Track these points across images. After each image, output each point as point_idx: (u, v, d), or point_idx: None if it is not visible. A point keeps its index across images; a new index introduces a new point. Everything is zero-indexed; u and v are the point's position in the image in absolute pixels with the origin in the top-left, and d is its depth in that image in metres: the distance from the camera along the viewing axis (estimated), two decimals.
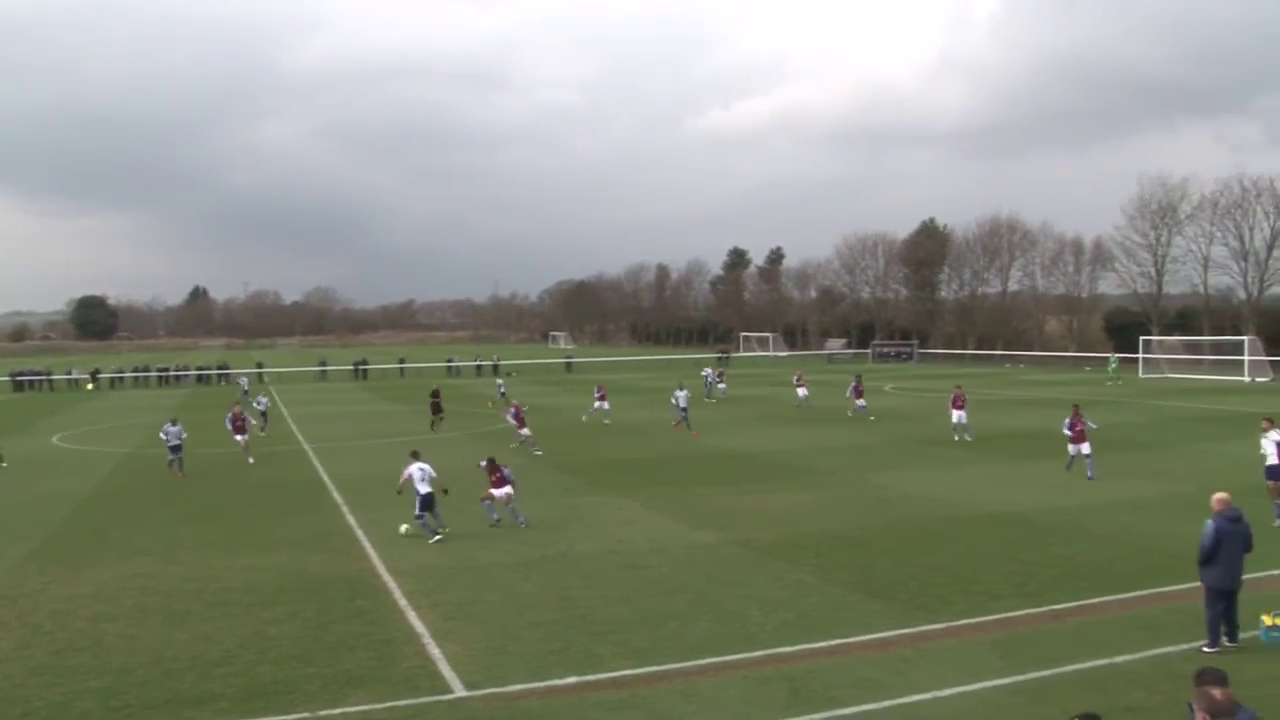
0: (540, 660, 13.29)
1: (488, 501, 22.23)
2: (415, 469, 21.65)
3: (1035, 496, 24.88)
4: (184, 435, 31.48)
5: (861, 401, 45.91)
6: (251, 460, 32.64)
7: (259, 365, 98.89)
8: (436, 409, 44.69)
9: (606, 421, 45.09)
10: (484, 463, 22.97)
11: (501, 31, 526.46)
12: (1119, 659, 12.77)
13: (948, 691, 11.83)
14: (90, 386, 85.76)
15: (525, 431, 36.33)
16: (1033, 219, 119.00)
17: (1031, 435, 37.34)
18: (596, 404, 46.60)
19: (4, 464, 33.89)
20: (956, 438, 35.63)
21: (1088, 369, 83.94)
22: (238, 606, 16.26)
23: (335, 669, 13.10)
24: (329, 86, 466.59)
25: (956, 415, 36.64)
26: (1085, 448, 27.44)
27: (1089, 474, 26.90)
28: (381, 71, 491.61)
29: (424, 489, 21.35)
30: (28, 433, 46.61)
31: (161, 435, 31.46)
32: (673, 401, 42.93)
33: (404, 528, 21.64)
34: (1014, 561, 18.24)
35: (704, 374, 62.92)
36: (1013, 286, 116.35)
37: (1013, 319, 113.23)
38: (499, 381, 59.35)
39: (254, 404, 47.46)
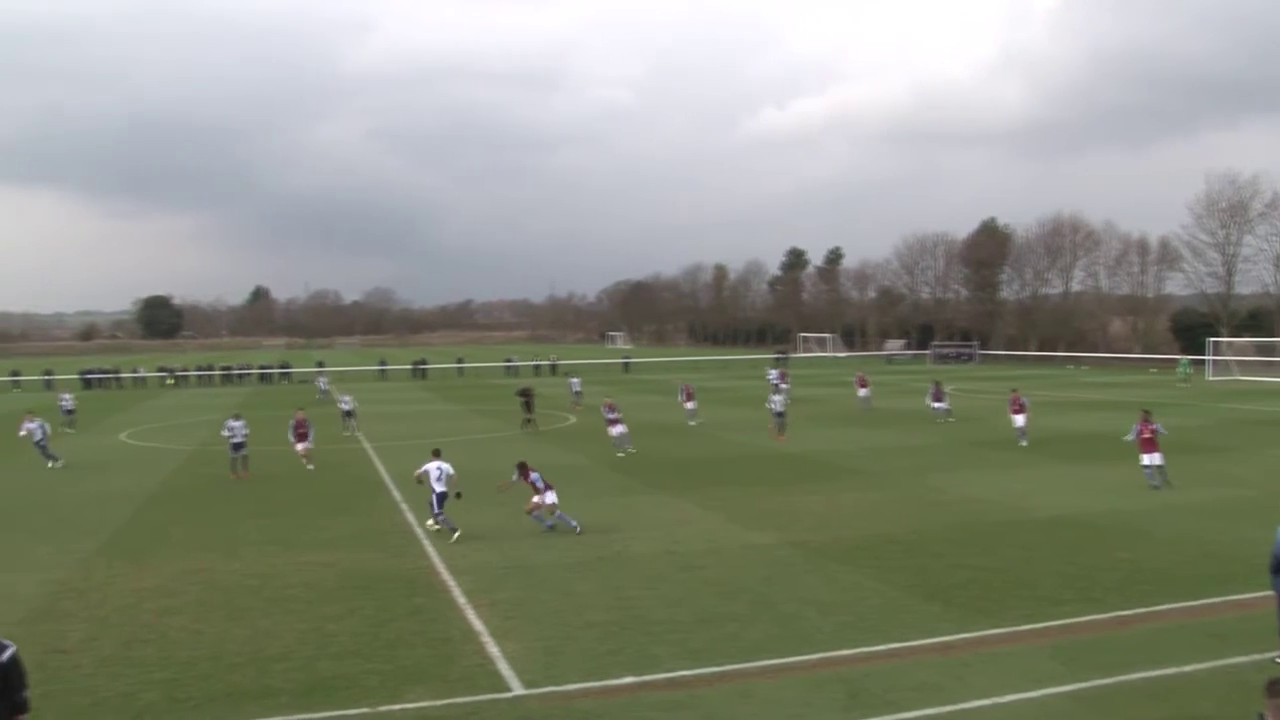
0: (597, 660, 13.31)
1: (537, 513, 22.02)
2: (433, 467, 21.91)
3: (1095, 500, 24.49)
4: (247, 431, 31.52)
5: (941, 404, 44.70)
6: (311, 467, 32.18)
7: (319, 365, 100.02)
8: (528, 408, 44.10)
9: (692, 423, 44.55)
10: (515, 477, 22.48)
11: (555, 32, 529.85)
12: (1186, 668, 12.52)
13: (1008, 698, 11.68)
14: (170, 382, 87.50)
15: (619, 430, 35.54)
16: (1095, 218, 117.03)
17: (1092, 437, 36.78)
18: (686, 405, 45.68)
19: (60, 463, 34.31)
20: (1024, 442, 35.00)
21: (1154, 370, 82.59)
22: (297, 603, 16.47)
23: (394, 665, 13.22)
24: (382, 88, 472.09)
25: (1018, 420, 36.04)
26: (1157, 457, 25.75)
27: (1155, 482, 25.57)
28: (434, 72, 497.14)
29: (439, 487, 21.66)
30: (96, 430, 47.53)
31: (225, 431, 31.42)
32: (768, 406, 40.77)
33: (431, 524, 22.03)
34: (1074, 565, 17.97)
35: (769, 376, 61.95)
36: (1075, 287, 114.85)
37: (1075, 320, 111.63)
38: (573, 380, 58.88)
39: (338, 404, 47.43)
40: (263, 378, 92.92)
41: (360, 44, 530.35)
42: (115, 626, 15.31)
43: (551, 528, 21.76)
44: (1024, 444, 34.83)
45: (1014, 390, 39.12)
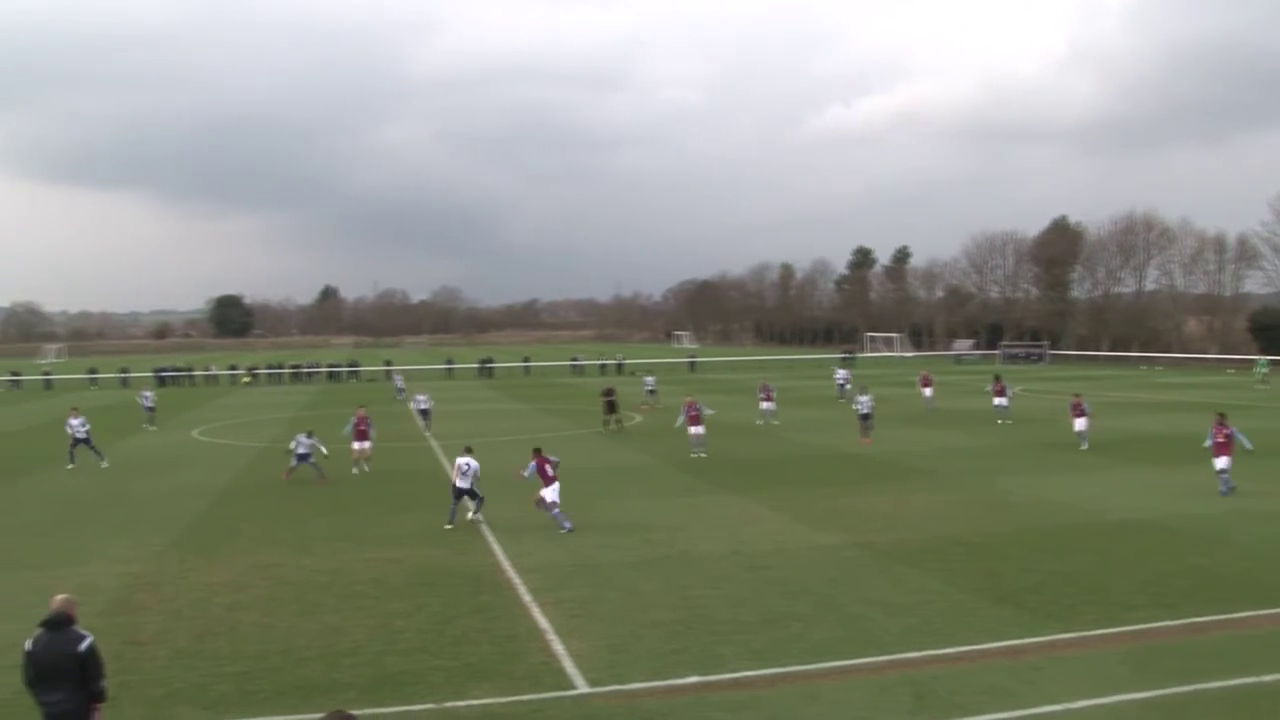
0: (662, 659, 13.32)
1: (556, 511, 21.96)
2: (461, 462, 22.70)
3: (1170, 503, 24.01)
4: (321, 448, 30.35)
5: (1000, 400, 44.26)
6: (360, 470, 31.11)
7: (387, 363, 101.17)
8: (611, 408, 43.83)
9: (776, 422, 44.36)
10: (526, 472, 22.55)
11: (622, 31, 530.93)
12: (1267, 678, 12.18)
13: (1080, 704, 11.48)
14: (247, 380, 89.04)
15: (698, 430, 34.68)
16: (1170, 215, 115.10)
17: (1165, 440, 36.09)
18: (763, 405, 45.27)
19: (105, 464, 33.98)
20: (1085, 446, 34.21)
21: (1230, 371, 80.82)
22: (365, 599, 16.66)
23: (460, 662, 13.32)
24: (450, 89, 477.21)
25: (1079, 424, 35.12)
26: (1223, 461, 24.90)
27: (1222, 489, 24.83)
28: (501, 73, 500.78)
29: (463, 483, 22.44)
30: (170, 427, 48.47)
31: (292, 444, 30.48)
32: (855, 408, 39.50)
33: (472, 516, 22.70)
34: (1148, 570, 17.62)
35: (837, 376, 61.37)
36: (1149, 285, 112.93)
37: (1149, 319, 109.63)
38: (647, 379, 58.78)
39: (413, 403, 47.72)
40: (331, 376, 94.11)
41: (427, 45, 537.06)
42: (188, 619, 15.61)
43: (570, 529, 21.61)
44: (1084, 448, 34.04)
45: (1076, 395, 38.08)
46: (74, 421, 34.71)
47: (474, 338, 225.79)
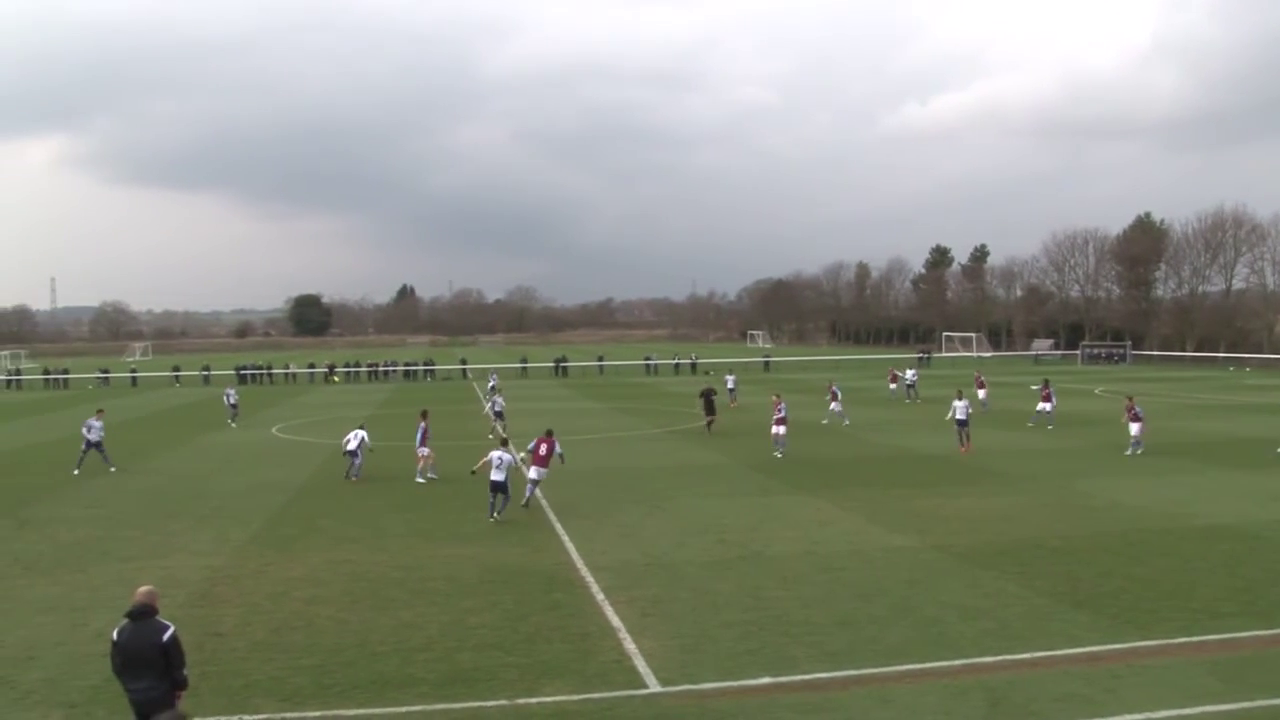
0: (734, 659, 13.28)
1: (531, 489, 24.15)
2: (495, 456, 23.32)
3: (1260, 509, 23.40)
4: (368, 442, 30.32)
5: (1045, 405, 41.98)
6: (429, 478, 29.69)
7: (463, 361, 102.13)
8: (710, 408, 43.32)
9: (824, 421, 44.46)
10: (526, 451, 24.35)
11: (698, 30, 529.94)
12: None
13: (1160, 714, 11.23)
14: (336, 380, 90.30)
15: (781, 430, 34.45)
16: (1262, 212, 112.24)
17: (1256, 443, 35.13)
18: (831, 405, 45.20)
19: (113, 469, 32.77)
20: (1139, 451, 33.28)
21: None
22: (439, 595, 16.83)
23: (532, 659, 13.40)
24: (525, 89, 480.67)
25: (1134, 428, 34.09)
26: None
27: None
28: (576, 73, 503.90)
29: (498, 475, 23.04)
30: (251, 424, 49.40)
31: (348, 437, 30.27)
32: (950, 415, 37.51)
33: (495, 516, 23.23)
34: (1236, 577, 17.17)
35: (906, 376, 60.57)
36: (1238, 284, 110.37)
37: (1238, 319, 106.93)
38: (728, 377, 58.68)
39: (489, 405, 46.06)
40: (407, 374, 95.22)
41: (503, 47, 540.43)
42: (266, 613, 15.89)
43: (524, 505, 24.02)
44: (1138, 452, 32.86)
45: (1129, 397, 36.94)
46: (95, 424, 33.44)
47: (549, 337, 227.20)
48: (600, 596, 16.57)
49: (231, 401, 50.65)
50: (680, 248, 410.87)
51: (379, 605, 16.23)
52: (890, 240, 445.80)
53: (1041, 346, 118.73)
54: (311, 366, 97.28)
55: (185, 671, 9.73)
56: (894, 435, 39.67)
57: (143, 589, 9.91)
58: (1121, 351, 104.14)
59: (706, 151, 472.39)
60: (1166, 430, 38.80)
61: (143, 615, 9.60)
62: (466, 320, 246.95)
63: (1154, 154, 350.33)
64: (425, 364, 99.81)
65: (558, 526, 22.47)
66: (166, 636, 9.50)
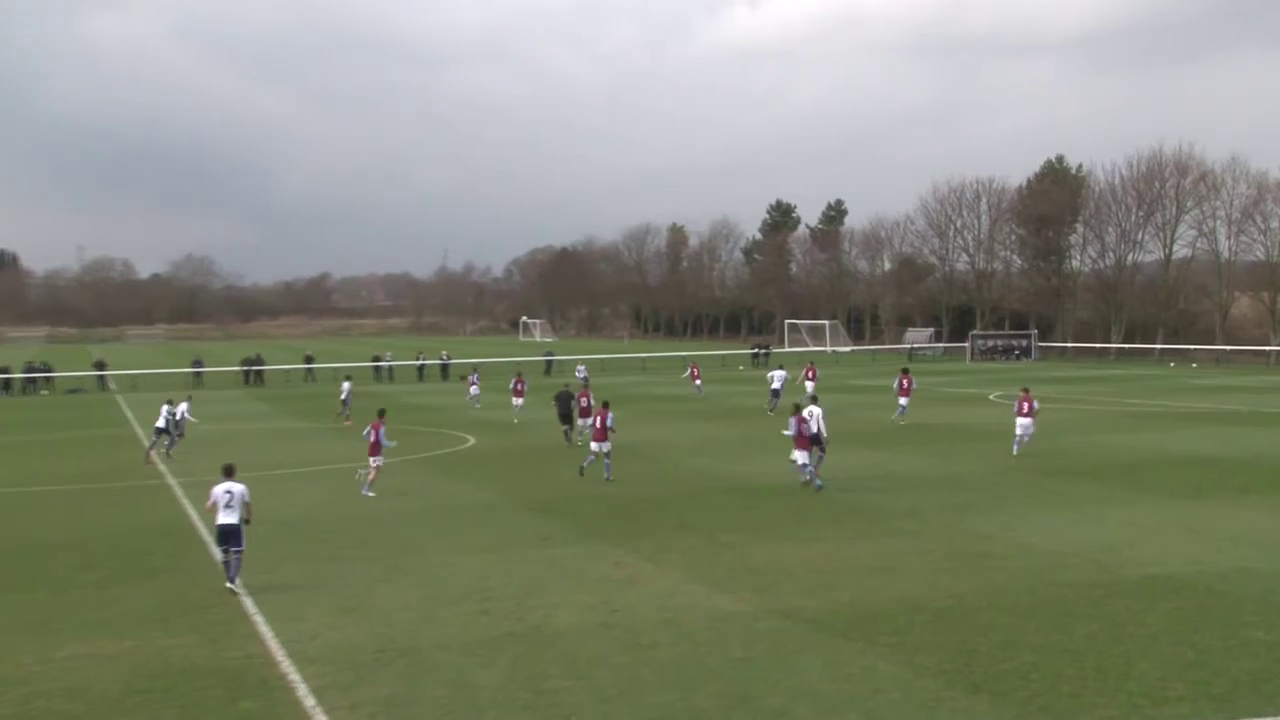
0: None
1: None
2: (220, 491, 22.63)
3: (1213, 552, 24.41)
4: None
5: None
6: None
7: (100, 365, 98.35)
8: (567, 419, 45.00)
9: (516, 420, 46.74)
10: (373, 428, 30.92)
11: None
12: None
13: None
14: None
15: (588, 421, 37.47)
16: (1215, 153, 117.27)
17: (1206, 463, 37.08)
18: (514, 401, 52.97)
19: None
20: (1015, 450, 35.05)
21: None
22: None
23: None
24: None
25: (1021, 424, 35.88)
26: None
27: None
28: None
29: (227, 517, 22.27)
30: None
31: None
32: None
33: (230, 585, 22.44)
34: (1185, 647, 17.80)
35: (771, 377, 60.78)
36: (1182, 251, 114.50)
37: (1181, 298, 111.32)
38: (580, 368, 63.28)
39: (161, 420, 44.62)
40: (4, 385, 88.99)
41: None
42: None
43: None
44: (1015, 451, 35.02)
45: (1024, 389, 38.86)
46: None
47: (235, 329, 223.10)
48: (310, 702, 16.10)
49: None
50: (427, 203, 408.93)
51: None
52: (714, 195, 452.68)
53: (918, 338, 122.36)
54: None
55: None
56: (725, 460, 40.17)
57: None
58: (1024, 344, 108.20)
59: (466, 70, 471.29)
60: (1086, 448, 40.54)
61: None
62: (107, 305, 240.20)
63: (1069, 77, 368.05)
64: (39, 368, 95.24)
65: (248, 602, 21.80)
66: None
